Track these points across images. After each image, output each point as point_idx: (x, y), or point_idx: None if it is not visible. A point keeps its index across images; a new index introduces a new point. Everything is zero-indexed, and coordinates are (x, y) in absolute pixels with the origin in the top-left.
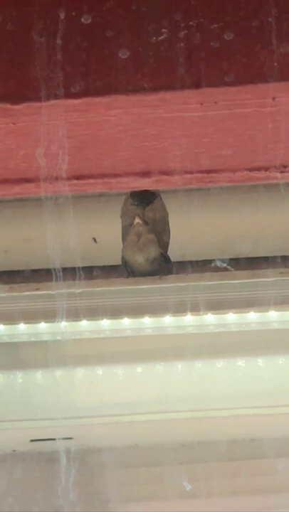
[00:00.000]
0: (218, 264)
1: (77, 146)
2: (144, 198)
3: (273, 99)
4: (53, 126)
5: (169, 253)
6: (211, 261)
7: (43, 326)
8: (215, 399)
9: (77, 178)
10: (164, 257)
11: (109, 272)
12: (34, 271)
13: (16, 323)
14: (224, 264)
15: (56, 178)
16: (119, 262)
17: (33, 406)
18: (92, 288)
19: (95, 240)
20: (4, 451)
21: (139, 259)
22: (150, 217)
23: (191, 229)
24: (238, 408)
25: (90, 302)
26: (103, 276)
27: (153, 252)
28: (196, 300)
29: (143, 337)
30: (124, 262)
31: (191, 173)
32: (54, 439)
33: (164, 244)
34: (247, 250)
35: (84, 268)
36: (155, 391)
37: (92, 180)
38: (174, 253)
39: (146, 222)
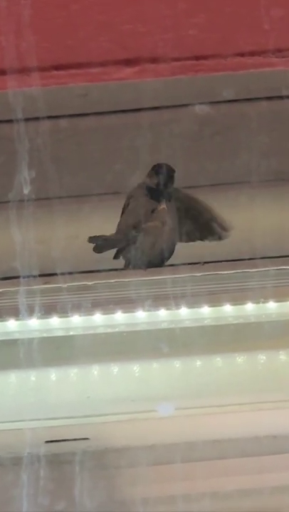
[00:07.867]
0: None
1: (53, 30)
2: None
3: None
4: (23, 6)
5: None
6: None
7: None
8: (235, 393)
9: (56, 68)
10: None
11: None
12: None
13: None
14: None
15: (33, 69)
16: None
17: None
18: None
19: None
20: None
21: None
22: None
23: None
24: (259, 403)
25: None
26: None
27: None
28: None
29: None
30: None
31: (178, 60)
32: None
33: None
34: None
35: None
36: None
37: (72, 71)
38: None
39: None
